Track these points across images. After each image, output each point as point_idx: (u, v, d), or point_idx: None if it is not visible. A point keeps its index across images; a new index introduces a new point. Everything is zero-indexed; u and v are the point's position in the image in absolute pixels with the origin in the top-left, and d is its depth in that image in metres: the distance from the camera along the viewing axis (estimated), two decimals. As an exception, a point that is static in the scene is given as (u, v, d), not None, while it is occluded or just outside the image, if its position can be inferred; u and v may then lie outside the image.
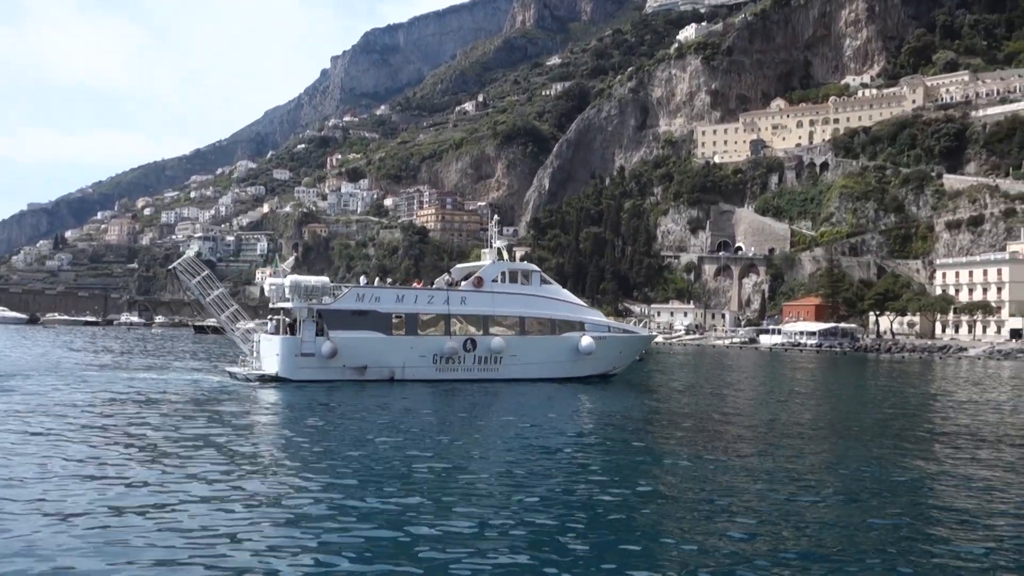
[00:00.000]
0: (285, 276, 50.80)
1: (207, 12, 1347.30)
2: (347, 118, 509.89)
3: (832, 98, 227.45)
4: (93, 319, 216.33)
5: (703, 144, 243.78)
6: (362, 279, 52.54)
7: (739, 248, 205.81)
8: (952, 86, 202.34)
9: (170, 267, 48.32)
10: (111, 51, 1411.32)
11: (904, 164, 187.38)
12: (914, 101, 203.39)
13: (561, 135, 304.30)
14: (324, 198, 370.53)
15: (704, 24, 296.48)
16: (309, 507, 17.23)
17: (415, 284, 55.93)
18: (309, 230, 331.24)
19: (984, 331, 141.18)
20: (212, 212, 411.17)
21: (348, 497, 18.14)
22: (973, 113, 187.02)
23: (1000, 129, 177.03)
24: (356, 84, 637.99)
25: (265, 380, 45.68)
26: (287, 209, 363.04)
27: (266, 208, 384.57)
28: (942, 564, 14.40)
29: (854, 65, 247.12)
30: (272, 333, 47.99)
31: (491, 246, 54.05)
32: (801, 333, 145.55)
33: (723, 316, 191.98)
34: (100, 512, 16.49)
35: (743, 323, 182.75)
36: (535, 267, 53.77)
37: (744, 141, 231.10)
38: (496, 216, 60.30)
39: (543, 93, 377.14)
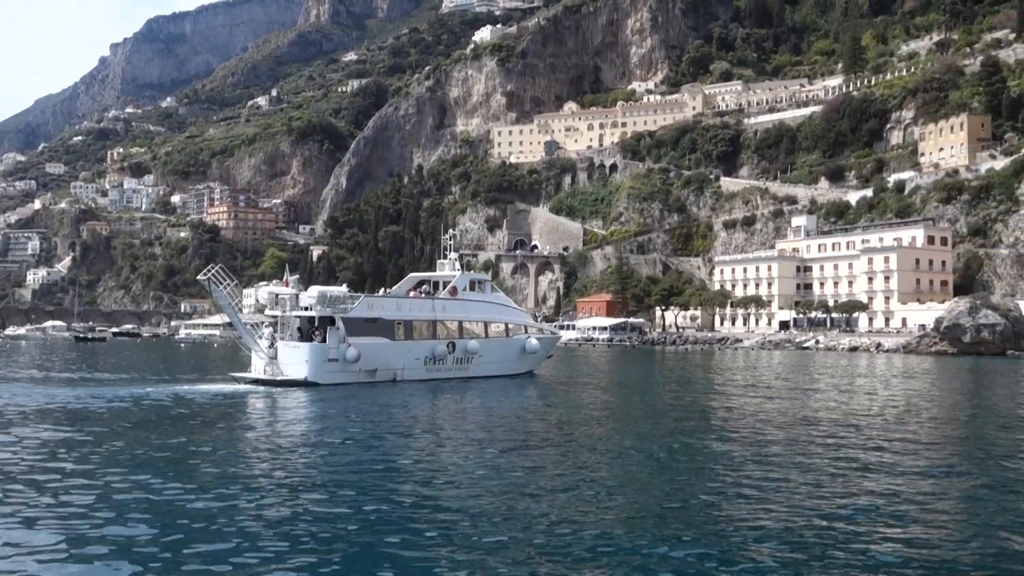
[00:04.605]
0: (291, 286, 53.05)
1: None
2: (129, 109, 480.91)
3: (620, 103, 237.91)
4: None
5: (499, 144, 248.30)
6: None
7: (535, 247, 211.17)
8: (728, 95, 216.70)
9: (200, 276, 48.20)
10: None
11: (686, 167, 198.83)
12: (694, 108, 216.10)
13: (358, 133, 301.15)
14: (104, 194, 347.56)
15: (499, 26, 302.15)
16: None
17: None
18: (88, 228, 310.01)
19: (757, 323, 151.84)
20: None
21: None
22: (746, 120, 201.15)
23: (769, 136, 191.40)
24: (139, 74, 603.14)
25: (288, 385, 46.61)
26: (63, 206, 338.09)
27: (38, 204, 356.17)
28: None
29: (640, 72, 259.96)
30: (272, 340, 49.82)
31: (447, 257, 59.40)
32: (594, 328, 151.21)
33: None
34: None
35: (540, 319, 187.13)
36: (487, 277, 59.85)
37: (539, 142, 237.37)
38: (451, 231, 67.51)
39: (339, 90, 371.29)
